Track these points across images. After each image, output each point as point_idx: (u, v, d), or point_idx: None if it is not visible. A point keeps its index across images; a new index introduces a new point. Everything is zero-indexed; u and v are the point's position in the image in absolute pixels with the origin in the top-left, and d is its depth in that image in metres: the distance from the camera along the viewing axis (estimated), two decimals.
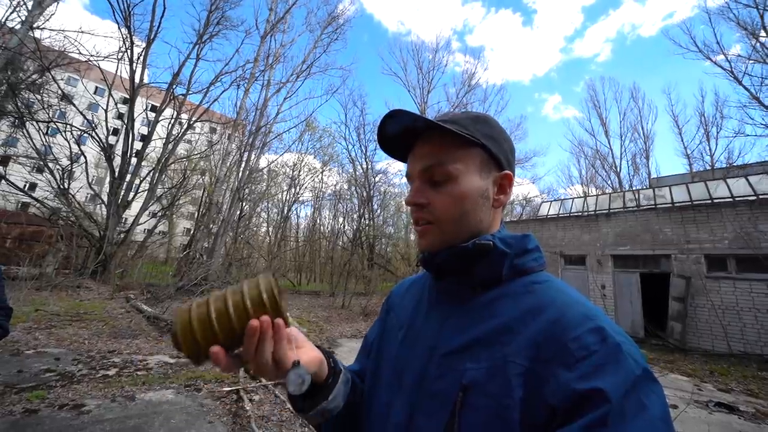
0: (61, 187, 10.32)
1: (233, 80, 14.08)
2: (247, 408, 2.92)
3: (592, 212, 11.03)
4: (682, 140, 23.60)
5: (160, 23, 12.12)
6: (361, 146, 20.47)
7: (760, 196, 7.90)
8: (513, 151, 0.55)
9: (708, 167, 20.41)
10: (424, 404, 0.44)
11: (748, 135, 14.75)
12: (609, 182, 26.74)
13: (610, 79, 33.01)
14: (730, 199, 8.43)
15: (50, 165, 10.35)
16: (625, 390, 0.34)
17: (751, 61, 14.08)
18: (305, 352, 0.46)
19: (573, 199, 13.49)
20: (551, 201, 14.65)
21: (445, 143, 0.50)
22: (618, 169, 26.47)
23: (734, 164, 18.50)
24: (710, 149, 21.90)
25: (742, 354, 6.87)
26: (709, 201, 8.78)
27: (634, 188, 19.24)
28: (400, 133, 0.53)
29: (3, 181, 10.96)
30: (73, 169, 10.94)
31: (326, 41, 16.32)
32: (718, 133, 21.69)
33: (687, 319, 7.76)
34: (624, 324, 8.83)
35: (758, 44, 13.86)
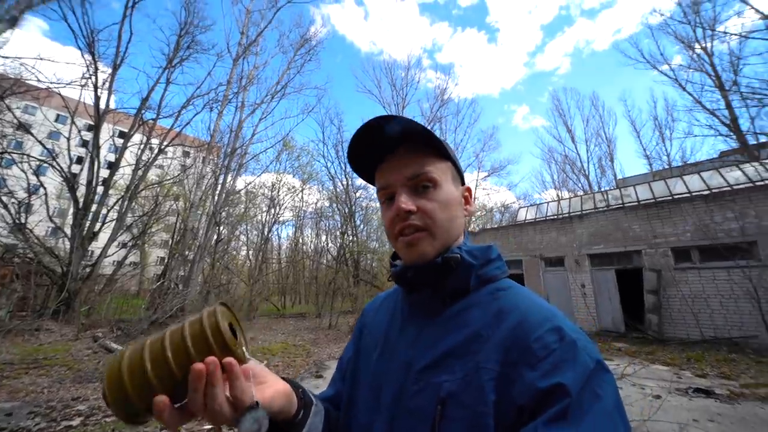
0: (17, 221, 9.57)
1: (206, 103, 13.89)
2: None
3: (567, 215, 11.54)
4: (641, 142, 25.57)
5: (126, 48, 11.87)
6: (340, 163, 20.62)
7: (713, 191, 8.60)
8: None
9: (666, 166, 22.08)
10: (403, 422, 0.44)
11: (696, 135, 16.22)
12: (579, 185, 28.26)
13: (572, 89, 35.70)
14: (688, 195, 9.11)
15: (4, 199, 9.61)
16: (582, 383, 0.36)
17: (691, 70, 15.65)
18: (268, 387, 0.42)
19: (548, 203, 14.08)
20: (528, 206, 15.22)
21: (426, 153, 0.52)
22: (587, 173, 28.10)
23: (688, 162, 20.15)
24: (666, 149, 23.88)
25: (713, 339, 7.25)
26: (670, 197, 9.44)
27: (602, 189, 20.42)
28: (375, 144, 0.53)
29: None
30: (31, 202, 10.20)
31: (300, 62, 16.60)
32: (671, 134, 23.70)
33: (662, 310, 8.14)
34: (605, 320, 9.13)
35: (695, 55, 15.46)
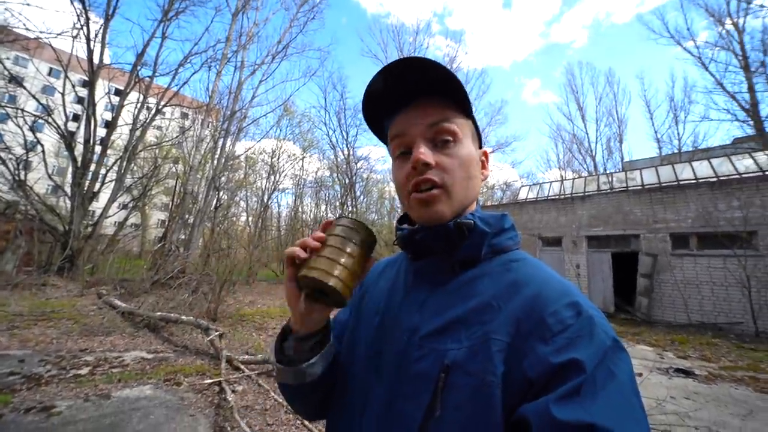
0: (17, 178, 9.51)
1: (204, 61, 13.19)
2: (230, 399, 2.88)
3: (569, 195, 11.43)
4: (653, 125, 24.71)
5: None
6: (342, 131, 20.07)
7: (721, 178, 8.43)
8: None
9: (676, 151, 21.53)
10: (404, 388, 0.43)
11: (712, 119, 15.77)
12: (585, 166, 27.77)
13: (588, 64, 34.17)
14: (694, 181, 8.95)
15: (2, 154, 9.47)
16: (597, 360, 0.35)
17: (717, 48, 14.73)
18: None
19: (550, 182, 13.91)
20: (530, 185, 15.04)
21: (449, 106, 0.49)
22: (593, 153, 27.49)
23: (699, 148, 19.61)
24: (678, 133, 23.09)
25: (700, 324, 7.49)
26: (676, 183, 9.29)
27: (607, 171, 20.08)
28: (393, 91, 0.49)
29: None
30: (29, 159, 10.06)
31: (303, 20, 15.55)
32: (686, 117, 22.90)
33: (653, 293, 8.33)
34: (596, 300, 9.38)
35: (724, 31, 14.47)
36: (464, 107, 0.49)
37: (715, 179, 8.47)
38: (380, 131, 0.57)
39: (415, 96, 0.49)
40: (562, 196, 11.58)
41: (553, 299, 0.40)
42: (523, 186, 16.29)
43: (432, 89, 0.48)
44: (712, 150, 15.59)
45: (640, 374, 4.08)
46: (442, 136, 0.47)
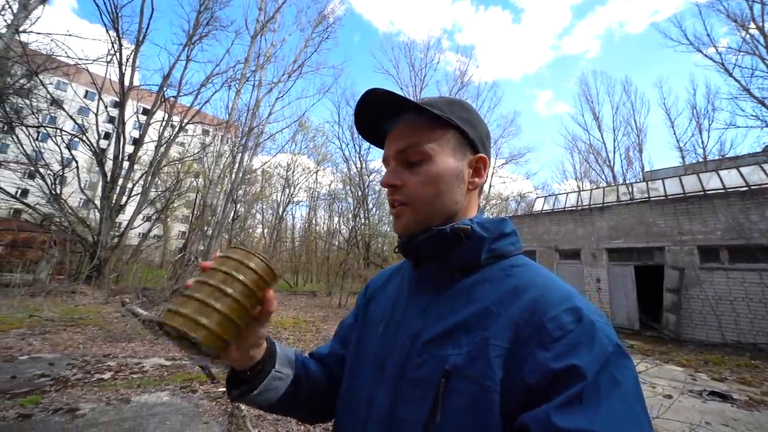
0: (53, 192, 10.19)
1: (224, 81, 13.99)
2: (243, 408, 2.91)
3: (586, 206, 11.11)
4: (675, 133, 23.83)
5: (148, 25, 12.00)
6: (354, 145, 20.49)
7: (752, 187, 8.01)
8: (488, 136, 0.56)
9: (701, 159, 20.62)
10: (406, 393, 0.43)
11: (739, 126, 14.95)
12: (603, 176, 26.94)
13: (602, 73, 33.64)
14: (723, 191, 8.53)
15: (41, 170, 10.21)
16: (599, 366, 0.34)
17: (741, 53, 14.25)
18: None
19: (567, 193, 13.58)
20: (545, 196, 14.72)
21: (421, 124, 0.50)
22: (611, 163, 26.69)
23: (726, 156, 18.72)
24: (702, 141, 22.12)
25: (736, 343, 6.97)
26: (702, 193, 8.88)
27: (627, 182, 19.41)
28: (377, 117, 0.54)
29: None
30: (65, 174, 10.80)
31: (317, 40, 16.25)
32: (710, 125, 21.93)
33: (681, 310, 7.85)
34: (619, 316, 8.92)
35: (748, 36, 14.03)
36: (442, 121, 0.50)
37: (746, 188, 8.04)
38: (380, 144, 0.62)
39: (398, 116, 0.53)
40: (580, 207, 11.26)
41: (554, 304, 0.40)
42: (538, 197, 15.96)
43: (400, 114, 0.52)
44: (740, 158, 14.86)
45: (670, 396, 3.82)
46: (409, 158, 0.51)
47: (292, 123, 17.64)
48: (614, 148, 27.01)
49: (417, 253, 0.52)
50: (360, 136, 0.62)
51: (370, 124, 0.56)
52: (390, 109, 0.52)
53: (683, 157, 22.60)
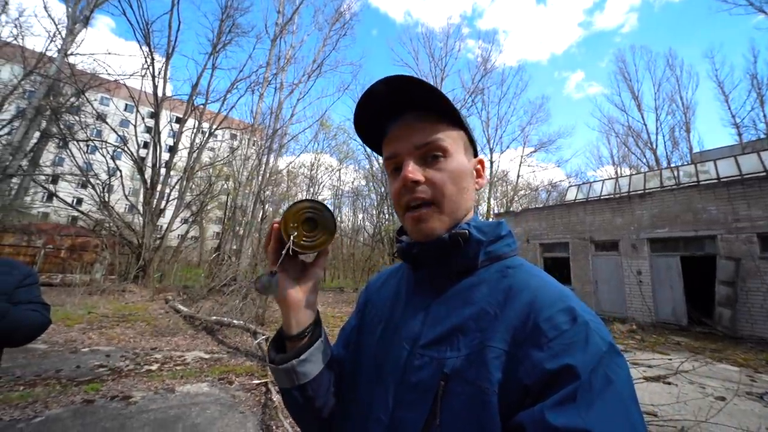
0: (103, 200, 11.19)
1: (248, 86, 14.50)
2: (275, 399, 3.05)
3: (625, 194, 10.35)
4: (730, 108, 21.46)
5: (176, 37, 12.72)
6: None
7: None
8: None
9: (762, 136, 18.39)
10: (405, 396, 0.43)
11: None
12: (644, 160, 24.93)
13: (642, 47, 31.02)
14: None
15: (92, 180, 11.24)
16: (593, 366, 0.35)
17: None
18: (300, 291, 0.52)
19: (603, 180, 12.74)
20: (579, 184, 13.89)
21: (435, 120, 0.49)
22: (654, 146, 24.60)
23: None
24: (765, 115, 19.63)
25: None
26: (764, 173, 7.95)
27: (672, 165, 17.80)
28: (381, 111, 0.51)
29: (54, 199, 12.05)
30: (112, 183, 11.82)
31: (335, 38, 16.33)
32: None
33: (737, 304, 7.13)
34: (664, 312, 8.28)
35: None
36: (453, 119, 0.50)
37: None
38: (377, 147, 0.57)
39: (404, 111, 0.50)
40: (618, 195, 10.52)
41: (548, 305, 0.40)
42: (571, 186, 15.11)
43: (416, 105, 0.49)
44: None
45: (723, 398, 3.50)
46: (431, 152, 0.48)
47: (313, 123, 17.94)
48: (657, 128, 24.85)
49: (416, 258, 0.52)
50: (357, 133, 0.56)
51: (369, 119, 0.53)
52: (397, 104, 0.50)
53: (740, 135, 20.31)
